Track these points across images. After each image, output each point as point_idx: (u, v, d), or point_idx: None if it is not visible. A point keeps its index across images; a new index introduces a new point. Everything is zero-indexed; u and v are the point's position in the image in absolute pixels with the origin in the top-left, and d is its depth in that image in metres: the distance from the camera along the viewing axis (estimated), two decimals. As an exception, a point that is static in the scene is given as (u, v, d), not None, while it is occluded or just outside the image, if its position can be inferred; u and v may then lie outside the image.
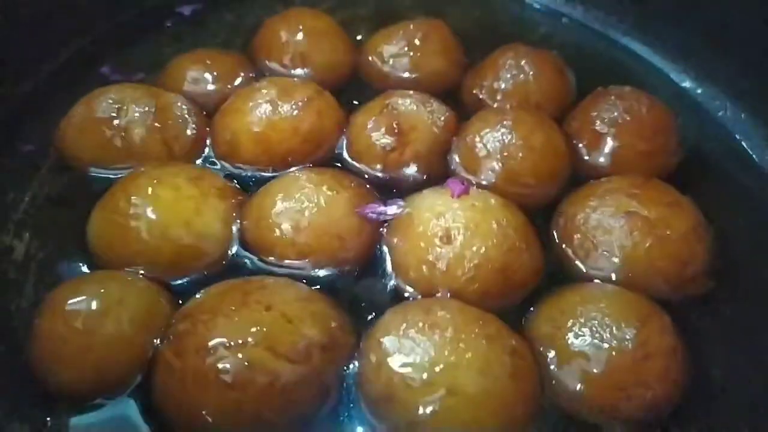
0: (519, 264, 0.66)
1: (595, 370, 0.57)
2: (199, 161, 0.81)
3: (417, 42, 0.93)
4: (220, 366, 0.53)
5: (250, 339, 0.54)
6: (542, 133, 0.77)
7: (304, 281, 0.67)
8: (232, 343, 0.54)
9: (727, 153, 0.89)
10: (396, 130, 0.78)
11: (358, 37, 1.03)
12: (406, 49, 0.93)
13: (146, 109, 0.78)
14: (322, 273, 0.69)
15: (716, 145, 0.89)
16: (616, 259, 0.67)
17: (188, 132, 0.80)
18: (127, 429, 0.57)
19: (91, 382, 0.57)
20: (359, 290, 0.69)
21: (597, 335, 0.58)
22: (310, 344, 0.56)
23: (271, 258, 0.69)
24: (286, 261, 0.69)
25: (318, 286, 0.67)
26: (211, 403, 0.53)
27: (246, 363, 0.53)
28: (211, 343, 0.54)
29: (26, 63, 0.90)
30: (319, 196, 0.69)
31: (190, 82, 0.89)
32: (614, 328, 0.58)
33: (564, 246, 0.72)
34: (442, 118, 0.81)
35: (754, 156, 0.88)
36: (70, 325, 0.57)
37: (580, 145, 0.82)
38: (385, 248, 0.71)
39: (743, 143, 0.89)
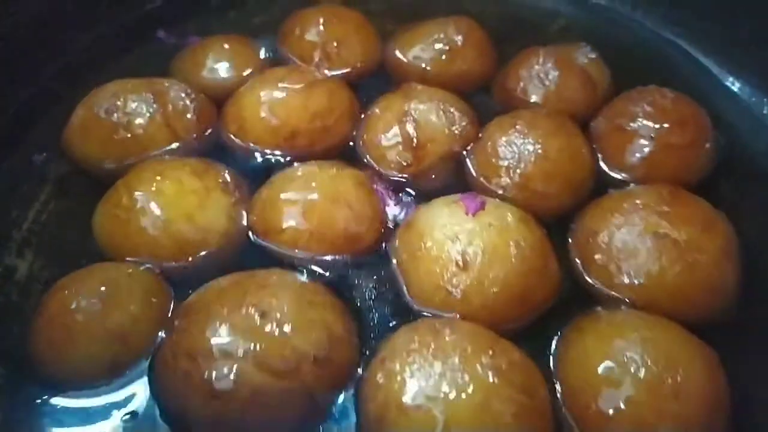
0: (538, 286, 0.63)
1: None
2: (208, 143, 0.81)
3: (451, 41, 0.91)
4: (205, 374, 0.53)
5: (238, 351, 0.53)
6: (560, 139, 0.74)
7: (316, 270, 0.67)
8: (219, 353, 0.53)
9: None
10: (414, 144, 0.75)
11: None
12: (439, 47, 0.91)
13: (144, 98, 0.78)
14: (333, 268, 0.68)
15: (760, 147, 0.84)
16: (640, 284, 0.63)
17: (190, 113, 0.80)
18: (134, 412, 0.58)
19: (93, 369, 0.58)
20: (368, 288, 0.67)
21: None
22: (300, 358, 0.54)
23: (281, 247, 0.68)
24: (296, 250, 0.67)
25: (325, 273, 0.67)
26: (195, 407, 0.53)
27: (231, 375, 0.53)
28: (200, 349, 0.54)
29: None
30: (328, 185, 0.69)
31: (206, 69, 0.90)
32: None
33: (582, 264, 0.68)
34: (462, 129, 0.78)
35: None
36: (75, 312, 0.59)
37: (604, 148, 0.79)
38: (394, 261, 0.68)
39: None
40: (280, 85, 0.79)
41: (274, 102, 0.78)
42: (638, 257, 0.63)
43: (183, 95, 0.81)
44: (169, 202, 0.67)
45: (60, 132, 0.79)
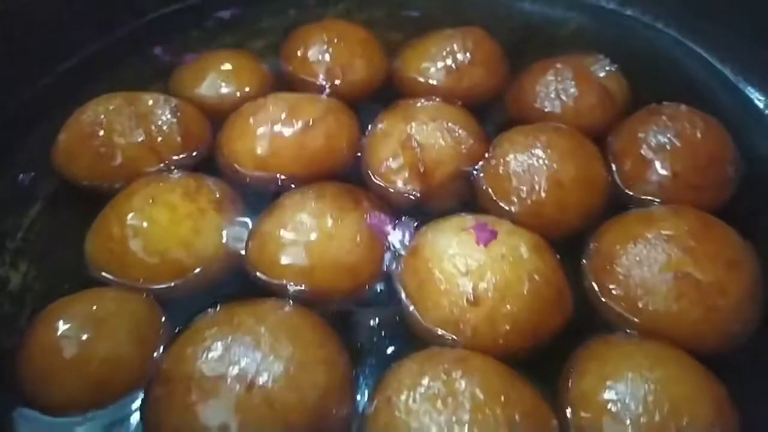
0: (551, 318, 0.61)
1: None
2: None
3: (461, 55, 0.87)
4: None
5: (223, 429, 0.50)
6: (577, 163, 0.70)
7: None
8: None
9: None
10: (421, 170, 0.71)
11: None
12: (448, 62, 0.87)
13: (126, 121, 0.74)
14: (332, 300, 0.65)
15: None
16: (656, 320, 0.60)
17: (175, 135, 0.76)
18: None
19: (86, 397, 0.56)
20: (373, 317, 0.64)
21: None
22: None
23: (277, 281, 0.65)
24: (293, 285, 0.64)
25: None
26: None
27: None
28: (182, 426, 0.51)
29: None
30: (326, 221, 0.65)
31: (206, 85, 0.86)
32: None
33: (597, 289, 0.65)
34: (469, 148, 0.75)
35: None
36: (65, 340, 0.56)
37: (622, 166, 0.75)
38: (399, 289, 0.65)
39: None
40: (275, 126, 0.74)
41: (268, 146, 0.74)
42: (657, 295, 0.60)
43: (168, 114, 0.77)
44: (164, 230, 0.65)
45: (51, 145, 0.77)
